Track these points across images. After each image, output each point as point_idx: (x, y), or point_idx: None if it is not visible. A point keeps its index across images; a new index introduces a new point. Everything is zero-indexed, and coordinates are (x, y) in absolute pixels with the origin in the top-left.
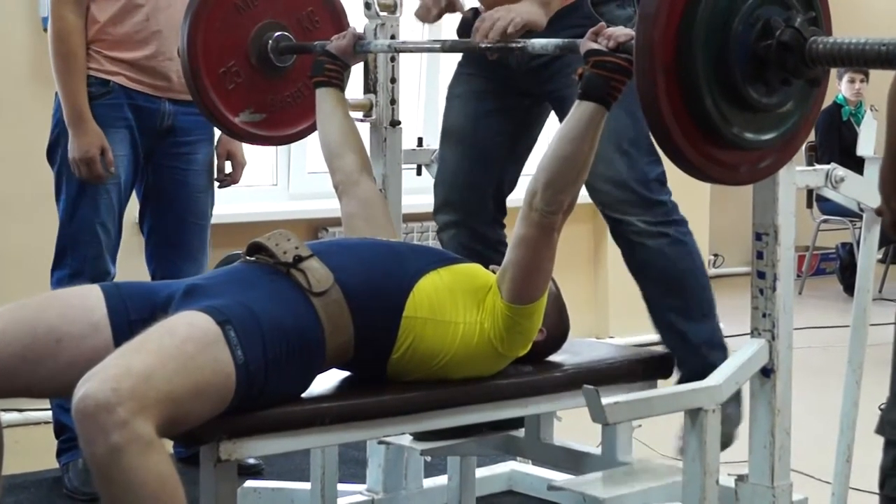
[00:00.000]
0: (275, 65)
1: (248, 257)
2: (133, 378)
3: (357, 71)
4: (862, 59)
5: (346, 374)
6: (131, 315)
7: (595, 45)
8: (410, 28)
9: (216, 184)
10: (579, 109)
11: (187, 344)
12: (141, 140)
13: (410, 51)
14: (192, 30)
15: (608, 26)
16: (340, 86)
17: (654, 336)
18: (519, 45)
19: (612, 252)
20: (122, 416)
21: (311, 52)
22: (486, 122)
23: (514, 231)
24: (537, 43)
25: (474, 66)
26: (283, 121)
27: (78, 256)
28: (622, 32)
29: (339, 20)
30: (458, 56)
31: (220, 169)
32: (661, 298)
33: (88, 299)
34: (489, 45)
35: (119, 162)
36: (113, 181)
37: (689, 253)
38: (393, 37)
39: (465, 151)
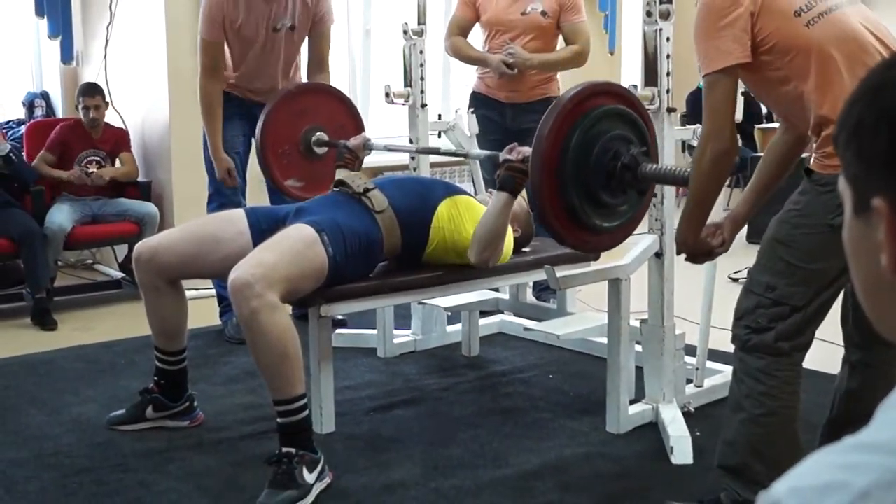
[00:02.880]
0: (314, 152)
1: (335, 188)
2: (264, 267)
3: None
4: (670, 181)
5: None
6: (262, 226)
7: (509, 156)
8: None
9: None
10: (497, 197)
11: (298, 244)
12: (250, 125)
13: (394, 149)
14: (266, 121)
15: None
16: (353, 168)
17: None
18: (464, 154)
19: None
20: (258, 290)
21: (336, 147)
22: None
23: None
24: (472, 153)
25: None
26: (316, 188)
27: (221, 196)
28: (526, 150)
29: (359, 126)
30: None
31: None
32: None
33: (236, 216)
34: None
35: (237, 140)
36: (235, 152)
37: None
38: (422, 61)
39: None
